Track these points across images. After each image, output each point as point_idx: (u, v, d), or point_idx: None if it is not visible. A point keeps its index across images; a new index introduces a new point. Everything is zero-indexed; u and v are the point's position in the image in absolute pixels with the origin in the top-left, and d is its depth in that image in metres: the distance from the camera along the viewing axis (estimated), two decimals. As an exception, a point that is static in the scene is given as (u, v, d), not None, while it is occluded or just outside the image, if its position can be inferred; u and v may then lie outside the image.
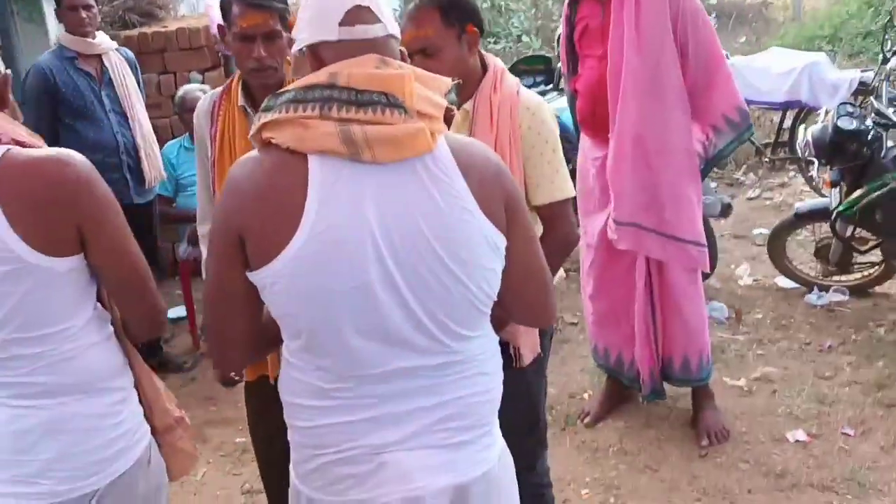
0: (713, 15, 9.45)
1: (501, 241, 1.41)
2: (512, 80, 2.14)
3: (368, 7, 1.36)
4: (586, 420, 3.44)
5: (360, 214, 1.29)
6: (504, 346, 2.19)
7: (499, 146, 2.07)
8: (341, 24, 1.34)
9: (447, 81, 1.42)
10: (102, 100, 3.88)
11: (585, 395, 3.64)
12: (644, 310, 3.16)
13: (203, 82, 4.98)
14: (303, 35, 1.38)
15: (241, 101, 2.20)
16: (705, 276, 4.50)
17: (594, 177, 3.20)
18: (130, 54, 4.14)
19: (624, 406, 3.49)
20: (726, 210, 4.43)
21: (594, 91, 3.06)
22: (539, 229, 2.15)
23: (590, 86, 3.09)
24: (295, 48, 1.41)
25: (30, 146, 1.51)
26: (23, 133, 1.54)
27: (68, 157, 1.51)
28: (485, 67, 2.15)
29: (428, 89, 1.36)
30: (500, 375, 1.57)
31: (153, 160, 4.06)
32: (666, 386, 3.29)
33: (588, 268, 3.33)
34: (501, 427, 2.36)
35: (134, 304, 1.61)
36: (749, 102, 5.05)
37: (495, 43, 12.39)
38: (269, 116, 1.31)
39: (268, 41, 2.09)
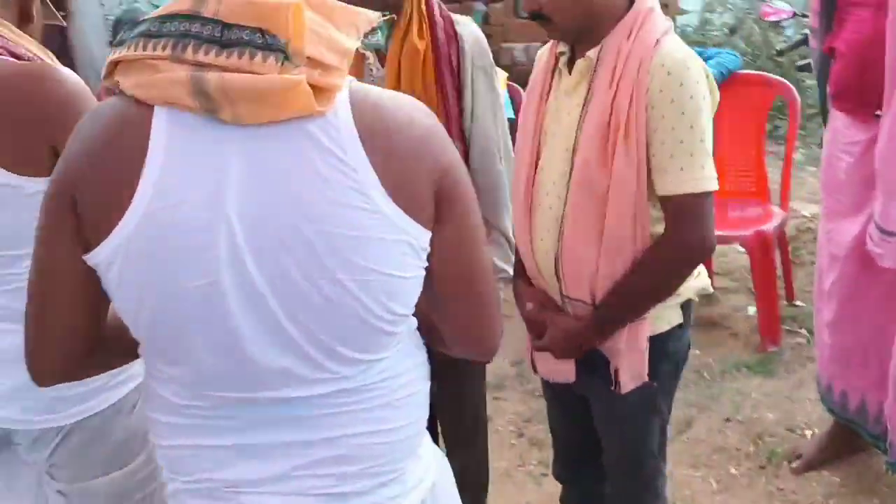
0: None
1: (420, 238, 1.03)
2: (658, 27, 1.63)
3: None
4: (794, 464, 2.75)
5: (215, 192, 0.96)
6: (607, 362, 1.77)
7: (615, 111, 1.60)
8: None
9: (371, 17, 1.04)
10: None
11: (808, 433, 2.93)
12: None
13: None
14: None
15: None
16: None
17: (849, 168, 2.48)
18: None
19: (850, 458, 2.73)
20: None
21: (863, 52, 2.34)
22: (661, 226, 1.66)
23: (857, 45, 2.37)
24: None
25: (29, 60, 1.44)
26: (32, 48, 1.47)
27: (52, 72, 1.43)
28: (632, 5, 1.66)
29: (335, 26, 0.99)
30: (422, 406, 1.18)
31: None
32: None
33: (830, 286, 2.60)
34: (603, 461, 1.94)
35: None
36: None
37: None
38: (119, 53, 1.00)
39: None
